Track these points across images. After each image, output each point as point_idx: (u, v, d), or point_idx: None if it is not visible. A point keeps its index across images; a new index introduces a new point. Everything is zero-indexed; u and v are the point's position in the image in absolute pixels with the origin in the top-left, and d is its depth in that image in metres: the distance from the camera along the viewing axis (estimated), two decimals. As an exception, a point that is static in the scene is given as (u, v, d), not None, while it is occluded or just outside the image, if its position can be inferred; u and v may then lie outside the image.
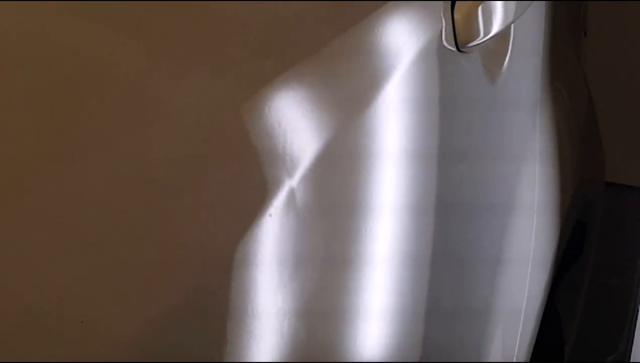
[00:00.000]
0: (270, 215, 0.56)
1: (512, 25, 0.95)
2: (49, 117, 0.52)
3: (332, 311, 0.62)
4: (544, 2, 1.12)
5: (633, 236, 1.63)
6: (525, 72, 1.05)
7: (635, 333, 1.56)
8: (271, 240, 0.56)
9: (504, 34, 0.92)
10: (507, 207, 0.97)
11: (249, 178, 0.56)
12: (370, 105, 0.65)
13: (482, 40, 0.81)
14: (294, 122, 0.59)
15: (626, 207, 1.62)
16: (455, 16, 0.78)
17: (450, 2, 0.77)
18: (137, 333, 0.50)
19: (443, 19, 0.76)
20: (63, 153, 0.52)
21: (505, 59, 0.93)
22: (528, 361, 1.05)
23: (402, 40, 0.70)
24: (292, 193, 0.57)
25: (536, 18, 1.10)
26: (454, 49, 0.78)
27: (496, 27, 0.82)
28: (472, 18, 0.79)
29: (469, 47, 0.79)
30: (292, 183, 0.57)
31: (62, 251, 0.50)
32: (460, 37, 0.78)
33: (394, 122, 0.68)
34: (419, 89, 0.72)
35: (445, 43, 0.76)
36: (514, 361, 1.00)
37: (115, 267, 0.50)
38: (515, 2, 0.86)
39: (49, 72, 0.54)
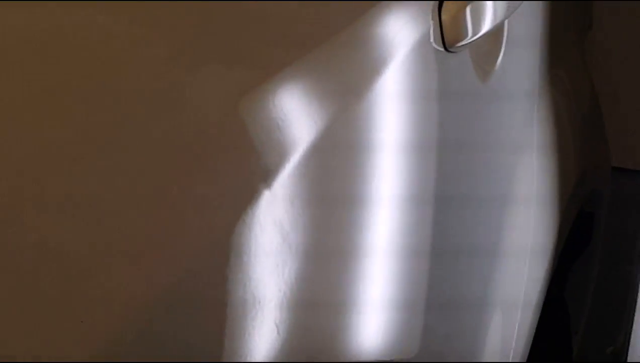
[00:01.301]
0: (265, 203, 0.57)
1: (506, 22, 0.95)
2: (70, 109, 0.54)
3: (328, 303, 0.63)
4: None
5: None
6: (521, 65, 1.05)
7: (635, 325, 1.56)
8: (267, 229, 0.57)
9: (496, 33, 0.92)
10: (505, 198, 0.97)
11: (246, 166, 0.58)
12: (364, 99, 0.67)
13: (470, 41, 0.81)
14: (294, 114, 0.61)
15: (635, 193, 1.61)
16: (443, 17, 0.78)
17: (437, 2, 0.77)
18: (132, 323, 0.51)
19: (431, 20, 0.76)
20: (81, 143, 0.53)
21: (498, 57, 0.93)
22: (528, 349, 1.05)
23: (391, 40, 0.71)
24: (288, 183, 0.59)
25: (533, 12, 1.09)
26: (442, 49, 0.78)
27: (485, 26, 0.82)
28: (459, 19, 0.79)
29: (457, 47, 0.79)
30: (288, 172, 0.59)
31: (64, 239, 0.51)
32: (447, 37, 0.78)
33: (388, 115, 0.69)
34: (409, 87, 0.73)
35: (433, 44, 0.76)
36: (513, 350, 1.00)
37: (114, 253, 0.52)
38: (505, 2, 0.85)
39: (70, 65, 0.56)
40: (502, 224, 0.96)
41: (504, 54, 0.94)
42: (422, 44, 0.75)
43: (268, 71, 0.61)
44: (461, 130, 0.84)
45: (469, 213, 0.87)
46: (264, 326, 0.57)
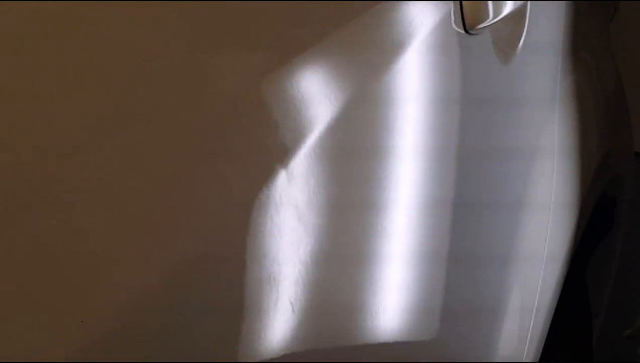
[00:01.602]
0: (281, 182, 0.57)
1: (529, 4, 0.94)
2: (87, 92, 0.54)
3: (343, 282, 0.63)
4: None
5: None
6: (544, 48, 1.05)
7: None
8: (282, 207, 0.57)
9: (518, 15, 0.92)
10: (526, 178, 0.97)
11: (263, 145, 0.58)
12: (383, 80, 0.67)
13: (491, 22, 0.80)
14: (312, 95, 0.61)
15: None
16: None
17: (459, -16, 0.78)
18: (146, 301, 0.51)
19: (452, 1, 0.76)
20: (97, 125, 0.53)
21: (520, 40, 0.93)
22: (551, 313, 1.06)
23: (411, 21, 0.71)
24: (304, 162, 0.59)
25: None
26: (463, 31, 0.78)
27: (506, 8, 0.82)
28: (480, 0, 0.79)
29: (477, 29, 0.79)
30: (304, 152, 0.59)
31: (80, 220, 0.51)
32: (468, 19, 0.78)
33: (407, 96, 0.69)
34: (428, 69, 0.73)
35: (453, 25, 0.76)
36: (536, 302, 1.01)
37: (129, 218, 0.52)
38: None
39: (88, 47, 0.55)
40: (522, 203, 0.96)
41: (527, 36, 0.94)
42: (442, 26, 0.75)
43: (288, 52, 0.61)
44: (482, 112, 0.84)
45: (488, 190, 0.88)
46: (279, 304, 0.57)
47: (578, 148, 1.13)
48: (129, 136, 0.53)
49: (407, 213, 0.69)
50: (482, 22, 0.79)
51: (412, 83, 0.70)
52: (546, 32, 1.06)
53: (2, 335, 0.46)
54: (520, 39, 0.93)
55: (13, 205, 0.49)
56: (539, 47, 1.02)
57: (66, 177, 0.51)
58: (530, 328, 1.00)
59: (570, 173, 1.10)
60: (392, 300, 0.68)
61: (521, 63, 0.93)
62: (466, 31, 0.78)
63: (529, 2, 0.92)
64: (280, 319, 0.57)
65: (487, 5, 0.79)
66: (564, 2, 1.11)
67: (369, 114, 0.66)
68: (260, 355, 0.56)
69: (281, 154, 0.58)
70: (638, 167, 1.55)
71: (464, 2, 0.77)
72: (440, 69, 0.75)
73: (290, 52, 0.61)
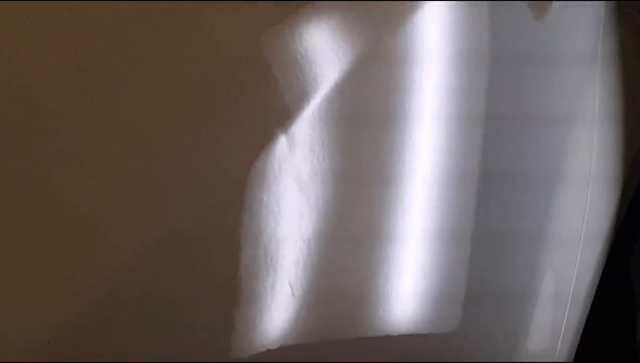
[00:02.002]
0: (281, 149, 0.56)
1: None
2: (92, 50, 0.54)
3: (351, 264, 0.61)
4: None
5: None
6: (582, 3, 1.00)
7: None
8: (283, 178, 0.56)
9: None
10: (560, 148, 0.93)
11: (261, 107, 0.56)
12: (398, 35, 0.65)
13: None
14: (317, 50, 0.59)
15: None
16: None
17: None
18: (137, 276, 0.51)
19: None
20: (96, 78, 0.53)
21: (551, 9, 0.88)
22: (589, 302, 1.03)
23: None
24: (307, 127, 0.57)
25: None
26: None
27: None
28: None
29: None
30: (307, 115, 0.57)
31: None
32: None
33: (425, 54, 0.66)
34: (450, 24, 0.69)
35: None
36: (572, 291, 0.98)
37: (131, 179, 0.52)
38: None
39: (93, 6, 0.55)
40: (557, 177, 0.92)
41: (558, 12, 0.89)
42: None
43: (292, 3, 0.59)
44: (512, 73, 0.80)
45: (518, 162, 0.84)
46: (277, 285, 0.55)
47: (622, 114, 1.09)
48: (120, 97, 0.53)
49: (426, 186, 0.66)
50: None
51: (432, 39, 0.67)
52: (582, 9, 1.01)
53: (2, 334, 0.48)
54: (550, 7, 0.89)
55: (3, 178, 0.50)
56: (574, 23, 0.98)
57: (56, 142, 0.51)
58: (565, 319, 0.97)
59: (612, 143, 1.06)
60: (407, 285, 0.65)
61: (557, 18, 0.88)
62: None
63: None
64: (278, 304, 0.56)
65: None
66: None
67: (382, 74, 0.63)
68: (254, 346, 0.54)
69: (281, 117, 0.56)
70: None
71: None
72: (465, 24, 0.70)
73: (294, 2, 0.60)
